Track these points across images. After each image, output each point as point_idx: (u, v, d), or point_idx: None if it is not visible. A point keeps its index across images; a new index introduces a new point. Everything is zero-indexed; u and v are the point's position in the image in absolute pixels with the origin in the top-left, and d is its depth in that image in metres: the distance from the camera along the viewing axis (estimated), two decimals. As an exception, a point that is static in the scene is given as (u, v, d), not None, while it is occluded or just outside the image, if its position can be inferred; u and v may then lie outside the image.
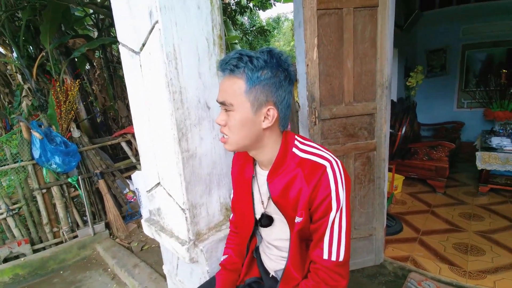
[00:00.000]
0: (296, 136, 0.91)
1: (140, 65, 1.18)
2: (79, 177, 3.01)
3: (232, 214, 1.16)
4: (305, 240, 0.93)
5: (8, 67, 4.15)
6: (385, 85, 1.88)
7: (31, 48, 3.77)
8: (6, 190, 2.75)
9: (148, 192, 1.43)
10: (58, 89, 2.96)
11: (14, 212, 2.74)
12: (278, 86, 0.80)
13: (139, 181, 3.11)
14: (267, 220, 0.95)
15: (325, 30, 1.74)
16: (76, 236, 3.01)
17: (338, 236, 0.83)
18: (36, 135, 2.70)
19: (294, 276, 0.90)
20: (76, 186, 3.04)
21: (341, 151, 1.92)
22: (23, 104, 3.49)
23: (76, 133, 3.16)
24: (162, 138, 1.19)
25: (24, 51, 3.42)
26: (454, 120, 4.79)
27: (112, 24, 4.36)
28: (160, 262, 2.05)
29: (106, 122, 4.64)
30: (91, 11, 4.35)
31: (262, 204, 0.96)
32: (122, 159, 3.74)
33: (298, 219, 0.85)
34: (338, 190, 0.81)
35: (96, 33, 4.83)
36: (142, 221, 1.49)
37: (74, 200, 3.12)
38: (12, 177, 2.76)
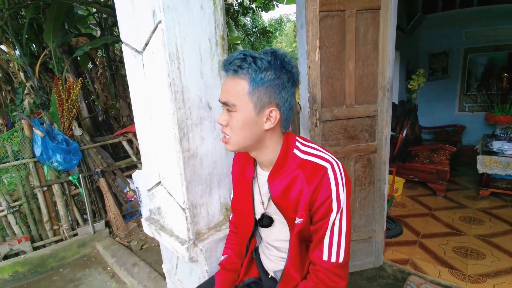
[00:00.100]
0: (297, 138, 0.91)
1: (143, 65, 1.18)
2: (80, 175, 3.02)
3: (232, 214, 1.16)
4: (304, 241, 0.93)
5: (10, 65, 4.18)
6: (387, 87, 1.88)
7: (34, 46, 3.79)
8: (7, 187, 2.76)
9: (149, 191, 1.43)
10: (61, 87, 2.97)
11: (14, 209, 2.75)
12: (281, 88, 0.80)
13: (140, 180, 3.12)
14: (267, 221, 0.95)
15: (327, 32, 1.75)
16: (76, 234, 3.02)
17: (338, 238, 0.83)
18: (38, 132, 2.71)
19: (293, 277, 0.90)
20: (77, 184, 3.05)
21: (342, 153, 1.92)
22: (25, 102, 3.50)
23: (77, 131, 3.17)
24: (163, 137, 1.19)
25: (27, 49, 3.44)
26: (456, 123, 4.79)
27: (115, 23, 4.38)
28: (160, 261, 2.06)
29: (107, 121, 4.65)
30: (94, 10, 4.38)
31: (262, 204, 0.96)
32: (123, 158, 3.75)
33: (298, 220, 0.85)
34: (338, 191, 0.81)
35: (99, 32, 4.85)
36: (142, 220, 1.49)
37: (75, 198, 3.13)
38: (13, 174, 2.77)
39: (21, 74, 3.74)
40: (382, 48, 1.83)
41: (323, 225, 0.82)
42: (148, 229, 1.45)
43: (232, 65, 0.78)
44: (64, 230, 2.96)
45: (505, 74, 4.01)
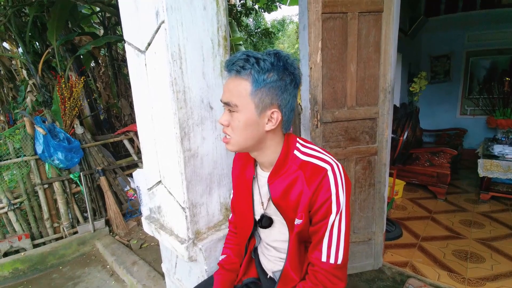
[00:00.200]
0: (298, 139, 0.92)
1: (145, 64, 1.19)
2: (81, 173, 3.03)
3: (231, 214, 1.17)
4: (303, 242, 0.93)
5: (13, 62, 4.19)
6: (388, 90, 1.88)
7: (37, 44, 3.80)
8: (8, 184, 2.77)
9: (149, 190, 1.44)
10: (63, 85, 2.98)
11: (15, 206, 2.76)
12: (283, 89, 0.80)
13: (140, 179, 3.13)
14: (266, 221, 0.95)
15: (329, 34, 1.75)
16: (76, 232, 3.03)
17: (337, 239, 0.83)
18: (40, 130, 2.72)
19: (292, 277, 0.91)
20: (78, 182, 3.06)
21: (342, 155, 1.92)
22: (28, 100, 3.51)
23: (79, 130, 3.18)
24: (164, 136, 1.20)
25: (30, 47, 3.45)
26: (457, 127, 4.79)
27: (118, 23, 4.40)
28: (159, 260, 2.06)
29: (109, 119, 4.66)
30: (98, 9, 4.39)
31: (262, 205, 0.96)
32: (124, 157, 3.77)
33: (297, 221, 0.85)
34: (338, 193, 0.81)
35: (102, 31, 4.87)
36: (142, 218, 1.49)
37: (75, 196, 3.14)
38: (15, 172, 2.78)
39: (24, 72, 3.76)
40: (384, 50, 1.83)
41: (322, 226, 0.83)
42: (148, 227, 1.45)
43: (235, 66, 0.78)
44: (64, 228, 2.97)
45: (507, 78, 4.01)
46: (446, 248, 2.48)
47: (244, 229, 1.03)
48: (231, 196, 1.11)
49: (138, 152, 3.71)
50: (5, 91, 4.44)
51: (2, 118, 4.24)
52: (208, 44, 1.18)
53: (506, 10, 4.11)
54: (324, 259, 0.83)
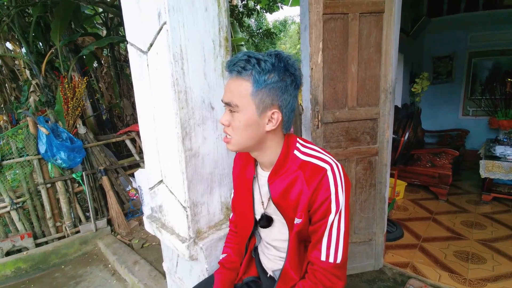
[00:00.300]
0: (298, 139, 0.92)
1: (147, 65, 1.20)
2: (83, 173, 3.05)
3: (232, 214, 1.18)
4: (303, 241, 0.94)
5: (16, 62, 4.22)
6: (389, 90, 1.88)
7: (41, 44, 3.83)
8: (10, 183, 2.79)
9: (151, 189, 1.45)
10: (66, 85, 3.00)
11: (18, 205, 2.78)
12: (284, 90, 0.81)
13: (142, 178, 3.15)
14: (266, 221, 0.96)
15: (330, 35, 1.76)
16: (78, 232, 3.05)
17: (336, 238, 0.83)
18: (43, 130, 2.74)
19: (292, 276, 0.91)
20: (80, 181, 3.08)
21: (343, 155, 1.93)
22: (31, 100, 3.54)
23: (82, 130, 3.20)
24: (166, 136, 1.21)
25: (33, 47, 3.48)
26: (459, 127, 4.78)
27: (120, 23, 4.42)
28: (160, 260, 2.07)
29: (111, 119, 4.68)
30: (101, 10, 4.42)
31: (262, 204, 0.97)
32: (126, 157, 3.78)
33: (297, 221, 0.86)
34: (337, 193, 0.82)
35: (104, 32, 4.89)
36: (144, 217, 1.50)
37: (78, 195, 3.16)
38: (17, 171, 2.80)
39: (27, 72, 3.79)
40: (385, 51, 1.83)
41: (321, 226, 0.83)
42: (149, 227, 1.47)
43: (236, 66, 0.79)
44: (67, 227, 2.99)
45: (509, 79, 3.99)
46: (447, 249, 2.48)
47: (245, 228, 1.04)
48: (232, 195, 1.12)
49: (140, 152, 3.73)
50: (8, 91, 4.46)
51: (5, 118, 4.27)
52: (210, 44, 1.19)
53: (508, 11, 4.10)
54: (323, 258, 0.83)
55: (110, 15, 4.46)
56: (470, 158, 4.64)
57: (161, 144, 1.27)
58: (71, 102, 3.02)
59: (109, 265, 2.72)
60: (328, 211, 0.82)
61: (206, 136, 1.22)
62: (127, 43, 1.31)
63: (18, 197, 2.82)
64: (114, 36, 4.32)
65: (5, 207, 2.73)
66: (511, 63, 4.42)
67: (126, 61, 4.73)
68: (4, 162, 2.72)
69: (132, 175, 3.56)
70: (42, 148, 2.78)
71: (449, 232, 2.77)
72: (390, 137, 2.01)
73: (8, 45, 4.13)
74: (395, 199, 3.17)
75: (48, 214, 2.91)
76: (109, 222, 3.23)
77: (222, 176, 1.32)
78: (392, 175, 2.77)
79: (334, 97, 1.85)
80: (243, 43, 6.14)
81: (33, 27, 3.35)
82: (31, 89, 3.54)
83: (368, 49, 1.82)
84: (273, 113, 0.82)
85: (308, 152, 0.88)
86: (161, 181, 1.35)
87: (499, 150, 3.33)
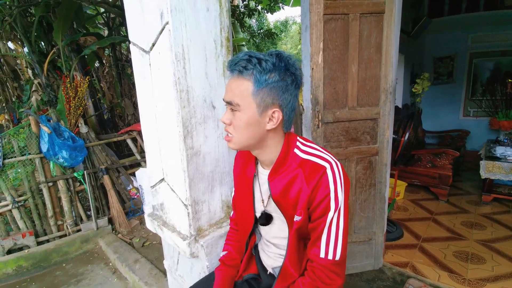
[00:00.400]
0: (298, 138, 0.93)
1: (150, 64, 1.21)
2: (85, 172, 3.07)
3: (232, 212, 1.19)
4: (303, 239, 0.95)
5: (17, 62, 4.24)
6: (389, 90, 1.89)
7: (43, 44, 3.85)
8: (12, 182, 2.81)
9: (152, 187, 1.46)
10: (68, 85, 3.02)
11: (19, 204, 2.79)
12: (284, 89, 0.82)
13: (143, 178, 3.16)
14: (266, 218, 0.97)
15: (331, 35, 1.77)
16: (79, 230, 3.06)
17: (335, 236, 0.85)
18: (45, 129, 2.76)
19: (291, 273, 0.93)
20: (82, 180, 3.09)
21: (343, 155, 1.94)
22: (33, 99, 3.55)
23: (83, 129, 3.22)
24: (167, 135, 1.22)
25: (35, 47, 3.50)
26: (460, 128, 4.78)
27: (122, 23, 4.44)
28: (161, 258, 2.08)
29: (112, 119, 4.70)
30: (102, 10, 4.44)
31: (262, 202, 0.98)
32: (127, 156, 3.80)
33: (297, 218, 0.87)
34: (337, 191, 0.83)
35: (106, 32, 4.91)
36: (145, 215, 1.52)
37: (79, 194, 3.17)
38: (19, 170, 2.82)
39: (29, 71, 3.81)
40: (385, 51, 1.84)
41: (321, 223, 0.84)
42: (150, 224, 1.48)
43: (238, 66, 0.80)
44: (68, 226, 3.01)
45: (510, 80, 4.00)
46: (447, 249, 2.49)
47: (245, 226, 1.05)
48: (233, 194, 1.13)
49: (141, 151, 3.75)
50: (10, 90, 4.48)
51: (6, 117, 4.29)
52: (211, 44, 1.20)
53: (509, 11, 4.10)
54: (322, 255, 0.84)
55: (112, 15, 4.48)
56: (470, 159, 4.65)
57: (162, 143, 1.28)
58: (73, 102, 3.04)
59: (110, 264, 2.73)
60: (327, 209, 0.83)
61: (208, 135, 1.23)
62: (130, 43, 1.32)
63: (20, 196, 2.84)
64: (116, 36, 4.34)
65: (7, 205, 2.75)
66: (512, 64, 4.42)
67: (128, 61, 4.75)
68: (6, 161, 2.74)
69: (133, 174, 3.57)
70: (44, 147, 2.80)
71: (449, 232, 2.78)
72: (390, 137, 2.02)
73: (10, 44, 4.16)
74: (395, 199, 3.18)
75: (50, 213, 2.93)
76: (110, 221, 3.25)
77: (223, 174, 1.33)
78: (392, 175, 2.77)
79: (334, 97, 1.86)
80: (244, 43, 6.14)
81: (36, 27, 3.37)
82: (33, 88, 3.56)
83: (369, 49, 1.83)
84: (273, 112, 0.83)
85: (308, 150, 0.89)
86: (163, 179, 1.36)
87: (499, 150, 3.34)
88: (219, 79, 1.25)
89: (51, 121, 2.96)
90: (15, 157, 2.79)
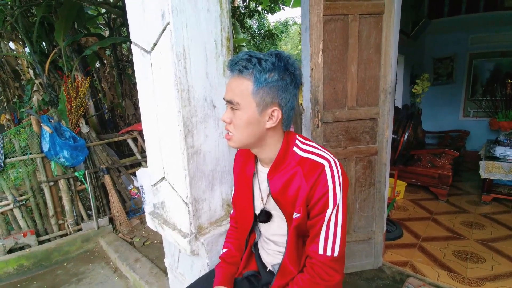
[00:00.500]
0: (297, 136, 0.95)
1: (151, 64, 1.23)
2: (86, 171, 3.08)
3: (232, 210, 1.20)
4: (302, 236, 0.96)
5: (19, 62, 4.26)
6: (388, 91, 1.91)
7: (44, 44, 3.87)
8: (13, 181, 2.82)
9: (153, 186, 1.47)
10: (70, 85, 3.03)
11: (21, 203, 2.80)
12: (284, 89, 0.83)
13: (144, 177, 3.18)
14: (265, 216, 0.98)
15: (330, 36, 1.78)
16: (80, 229, 3.07)
17: (333, 233, 0.86)
18: (46, 129, 2.78)
19: (290, 270, 0.94)
20: (83, 180, 3.11)
21: (343, 154, 1.95)
22: (34, 99, 3.57)
23: (84, 129, 3.23)
24: (168, 134, 1.23)
25: (37, 47, 3.52)
26: (460, 128, 4.79)
27: (123, 24, 4.46)
28: (161, 257, 2.10)
29: (113, 119, 4.72)
30: (104, 10, 4.46)
31: (262, 200, 0.99)
32: (128, 156, 3.81)
33: (296, 215, 0.89)
34: (335, 188, 0.84)
35: (107, 32, 4.94)
36: (146, 214, 1.53)
37: (80, 194, 3.19)
38: (20, 169, 2.83)
39: (30, 72, 3.83)
40: (384, 52, 1.86)
41: (319, 220, 0.86)
42: (151, 223, 1.49)
43: (238, 65, 0.82)
44: (69, 225, 3.02)
45: (510, 80, 4.01)
46: (447, 249, 2.50)
47: (245, 224, 1.07)
48: (233, 192, 1.15)
49: (142, 151, 3.76)
50: (11, 90, 4.51)
51: (8, 117, 4.31)
52: (212, 45, 1.22)
53: (509, 12, 4.12)
54: (321, 251, 0.85)
55: (113, 16, 4.50)
56: (470, 159, 4.65)
57: (163, 142, 1.29)
58: (74, 102, 3.06)
59: (111, 263, 2.74)
60: (326, 206, 0.84)
61: (208, 134, 1.25)
62: (131, 43, 1.33)
63: (21, 195, 2.85)
64: (117, 36, 4.36)
65: (8, 204, 2.76)
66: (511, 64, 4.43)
67: (128, 61, 4.77)
68: (7, 160, 2.75)
69: (134, 174, 3.58)
70: (45, 147, 2.81)
71: (448, 232, 2.79)
72: (390, 137, 2.03)
73: (11, 44, 4.18)
74: (395, 199, 3.19)
75: (51, 212, 2.94)
76: (111, 220, 3.26)
77: (223, 173, 1.34)
78: (392, 175, 2.79)
79: (334, 97, 1.88)
80: (244, 43, 6.16)
81: (37, 27, 3.39)
82: (34, 88, 3.58)
83: (368, 50, 1.85)
84: (273, 111, 0.84)
85: (307, 149, 0.90)
86: (164, 178, 1.37)
87: (499, 151, 3.35)
88: (220, 78, 1.27)
89: (53, 121, 2.98)
90: (16, 156, 2.80)
